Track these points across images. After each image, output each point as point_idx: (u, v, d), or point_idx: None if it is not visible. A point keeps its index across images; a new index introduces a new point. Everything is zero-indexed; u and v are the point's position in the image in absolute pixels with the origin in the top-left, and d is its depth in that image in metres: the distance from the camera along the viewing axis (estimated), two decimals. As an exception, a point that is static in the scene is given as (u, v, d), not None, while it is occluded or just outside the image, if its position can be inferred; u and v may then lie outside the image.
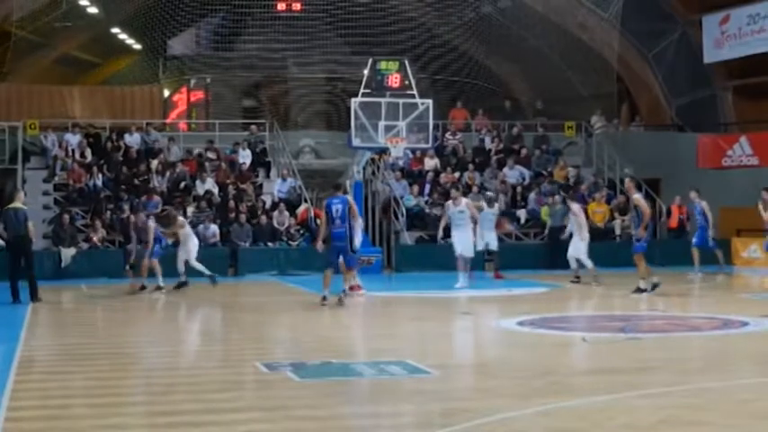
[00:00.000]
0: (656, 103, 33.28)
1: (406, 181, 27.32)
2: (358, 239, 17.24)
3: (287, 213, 25.52)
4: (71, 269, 23.16)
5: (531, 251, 25.77)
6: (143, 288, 19.28)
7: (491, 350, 12.06)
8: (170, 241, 20.47)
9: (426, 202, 26.77)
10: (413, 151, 27.92)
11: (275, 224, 25.30)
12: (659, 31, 31.65)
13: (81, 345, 12.33)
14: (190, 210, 24.65)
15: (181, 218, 20.65)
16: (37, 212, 23.65)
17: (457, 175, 27.73)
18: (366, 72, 23.23)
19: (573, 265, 20.56)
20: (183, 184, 26.57)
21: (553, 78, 33.39)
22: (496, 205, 23.13)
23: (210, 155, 27.98)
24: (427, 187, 27.33)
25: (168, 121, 33.87)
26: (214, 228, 24.56)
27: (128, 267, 21.98)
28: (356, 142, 23.17)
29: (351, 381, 9.34)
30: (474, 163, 28.82)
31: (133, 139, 28.10)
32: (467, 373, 10.11)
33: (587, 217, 24.64)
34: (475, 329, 14.02)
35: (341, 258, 16.72)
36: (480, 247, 21.15)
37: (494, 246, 22.10)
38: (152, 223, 19.97)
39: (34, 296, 17.32)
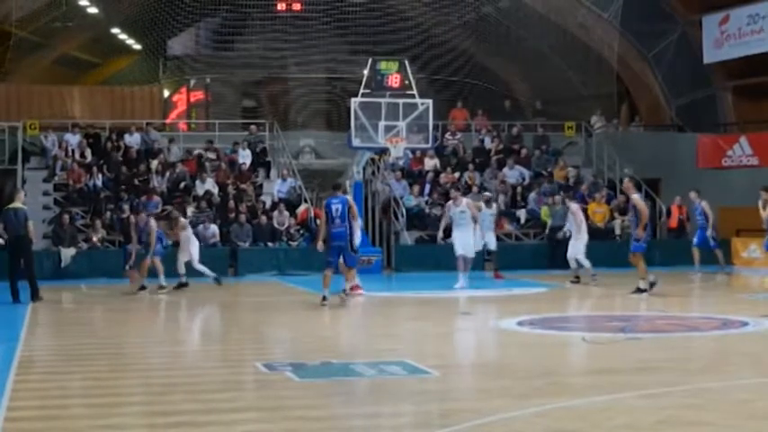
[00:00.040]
0: (655, 103, 33.28)
1: (405, 181, 27.31)
2: (357, 239, 17.23)
3: (287, 213, 25.52)
4: (71, 269, 23.15)
5: (530, 251, 25.77)
6: (143, 288, 19.26)
7: (491, 350, 12.06)
8: (170, 241, 20.47)
9: (426, 203, 26.76)
10: (413, 151, 27.92)
11: (275, 224, 25.29)
12: (659, 31, 31.64)
13: (80, 345, 12.33)
14: (190, 210, 24.64)
15: (183, 220, 20.64)
16: (37, 212, 23.65)
17: (457, 175, 27.73)
18: (366, 72, 23.24)
19: (573, 265, 20.58)
20: (182, 185, 26.56)
21: (553, 78, 33.39)
22: (494, 206, 23.17)
23: (210, 155, 27.98)
24: (427, 187, 27.33)
25: (168, 121, 33.85)
26: (214, 228, 24.56)
27: (127, 267, 21.99)
28: (356, 142, 23.17)
29: (351, 381, 9.34)
30: (474, 163, 28.82)
31: (133, 140, 28.09)
32: (467, 374, 10.12)
33: (587, 217, 24.68)
34: (475, 329, 14.01)
35: (341, 258, 16.71)
36: (479, 248, 21.15)
37: (492, 246, 22.12)
38: (154, 222, 19.99)
39: (35, 296, 17.32)
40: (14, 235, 17.54)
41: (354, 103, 22.78)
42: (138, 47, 37.07)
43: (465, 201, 20.20)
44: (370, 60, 23.32)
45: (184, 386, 9.09)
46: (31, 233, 17.95)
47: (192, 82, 36.77)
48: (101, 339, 13.11)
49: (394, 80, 22.99)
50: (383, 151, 25.17)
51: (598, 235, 24.78)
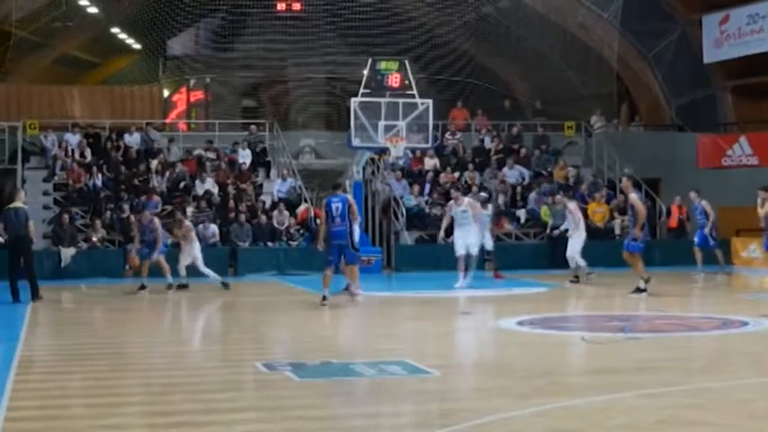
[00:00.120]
0: (655, 102, 33.28)
1: (405, 181, 27.32)
2: (356, 237, 17.22)
3: (287, 213, 25.52)
4: (71, 269, 23.16)
5: (530, 251, 25.77)
6: (143, 288, 19.26)
7: (491, 350, 12.06)
8: (169, 241, 20.47)
9: (426, 202, 26.77)
10: (413, 151, 27.92)
11: (275, 224, 25.29)
12: (659, 31, 31.65)
13: (80, 345, 12.33)
14: (189, 210, 24.65)
15: (187, 222, 20.62)
16: (37, 212, 23.64)
17: (457, 174, 27.73)
18: (366, 72, 23.23)
19: (572, 264, 20.58)
20: (182, 184, 26.57)
21: (553, 78, 33.40)
22: (490, 206, 23.22)
23: (210, 155, 27.98)
24: (427, 187, 27.33)
25: (168, 121, 33.85)
26: (214, 228, 24.56)
27: (127, 267, 22.00)
28: (356, 142, 23.17)
29: (351, 381, 9.34)
30: (474, 163, 28.82)
31: (133, 139, 28.10)
32: (466, 373, 10.12)
33: (587, 217, 24.70)
34: (475, 329, 14.01)
35: (341, 257, 16.70)
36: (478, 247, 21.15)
37: (489, 246, 22.10)
38: (158, 221, 20.02)
39: (35, 295, 17.32)
40: (15, 235, 17.54)
41: (354, 102, 22.78)
42: (137, 47, 37.07)
43: (466, 200, 20.22)
44: (369, 60, 23.32)
45: (184, 386, 9.09)
46: (32, 233, 17.95)
47: (192, 82, 36.78)
48: (101, 339, 13.11)
49: (394, 80, 22.99)
50: (383, 151, 25.18)
51: (598, 235, 24.79)
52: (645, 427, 7.23)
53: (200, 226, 23.87)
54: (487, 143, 30.03)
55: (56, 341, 13.10)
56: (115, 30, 36.72)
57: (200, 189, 26.25)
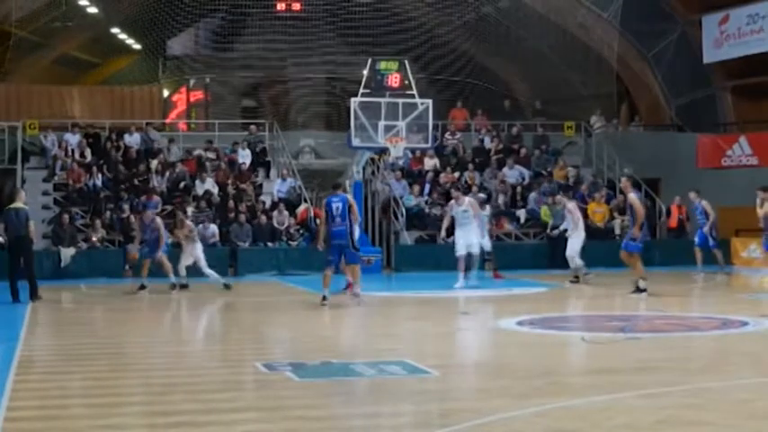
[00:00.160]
0: (655, 102, 33.28)
1: (405, 181, 27.32)
2: (356, 236, 17.22)
3: (286, 213, 25.52)
4: (71, 269, 23.16)
5: (530, 251, 25.77)
6: (142, 288, 19.25)
7: (490, 350, 12.06)
8: (170, 240, 20.48)
9: (426, 202, 26.77)
10: (412, 151, 27.92)
11: (275, 224, 25.29)
12: (659, 31, 31.65)
13: (80, 345, 12.33)
14: (189, 210, 24.65)
15: (189, 223, 20.62)
16: (36, 212, 23.63)
17: (457, 174, 27.73)
18: (366, 72, 23.23)
19: (572, 264, 20.58)
20: (182, 184, 26.57)
21: (553, 78, 33.41)
22: (488, 207, 23.22)
23: (210, 155, 27.98)
24: (427, 187, 27.33)
25: (168, 121, 33.86)
26: (214, 228, 24.56)
27: (127, 267, 22.03)
28: (356, 142, 23.17)
29: (350, 381, 9.34)
30: (474, 163, 28.82)
31: (133, 139, 28.10)
32: (466, 373, 10.11)
33: (587, 217, 24.71)
34: (474, 329, 14.01)
35: (341, 257, 16.70)
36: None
37: (488, 246, 22.08)
38: (160, 220, 20.04)
39: (34, 295, 17.32)
40: (15, 235, 17.54)
41: (354, 102, 22.78)
42: (137, 47, 37.08)
43: (467, 200, 20.21)
44: (369, 60, 23.32)
45: (184, 386, 9.09)
46: (32, 233, 17.96)
47: (192, 82, 36.78)
48: (101, 339, 13.10)
49: (394, 80, 22.99)
50: (383, 151, 25.18)
51: (598, 235, 24.79)
52: (645, 427, 7.23)
53: (200, 226, 23.85)
54: (487, 143, 30.04)
55: (56, 341, 13.10)
56: (115, 30, 36.72)
57: (199, 189, 26.25)
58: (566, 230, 21.16)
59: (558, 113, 31.85)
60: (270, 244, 24.87)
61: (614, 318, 14.52)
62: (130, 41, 37.61)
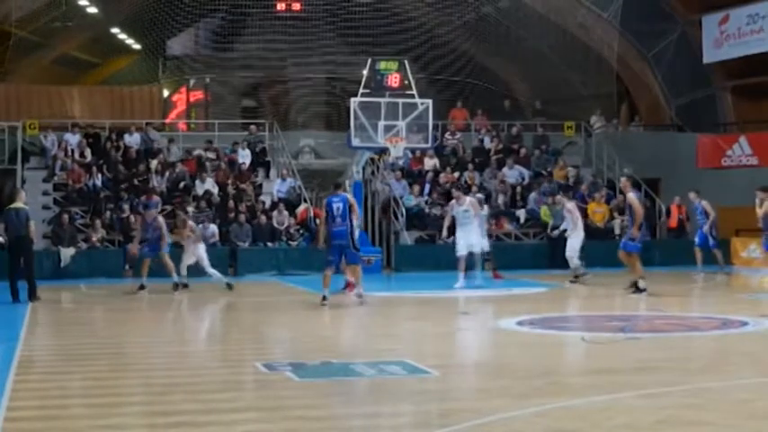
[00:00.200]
0: (655, 102, 33.28)
1: (405, 181, 27.32)
2: (356, 234, 17.22)
3: (286, 213, 25.52)
4: (70, 269, 23.15)
5: (530, 251, 25.77)
6: (142, 288, 19.24)
7: (490, 350, 12.06)
8: (171, 240, 20.49)
9: (426, 202, 26.77)
10: (412, 151, 27.92)
11: (275, 224, 25.29)
12: (659, 31, 31.65)
13: (80, 345, 12.33)
14: (189, 210, 24.65)
15: (192, 223, 20.63)
16: (36, 212, 23.62)
17: (456, 174, 27.73)
18: (366, 72, 23.23)
19: (572, 264, 20.57)
20: (182, 184, 26.57)
21: (553, 78, 33.41)
22: (486, 207, 23.23)
23: (210, 155, 27.98)
24: (427, 187, 27.33)
25: (168, 121, 33.86)
26: (213, 227, 24.55)
27: (127, 267, 22.03)
28: (356, 142, 23.17)
29: (350, 381, 9.34)
30: (473, 163, 28.82)
31: (133, 139, 28.10)
32: (466, 373, 10.11)
33: (586, 217, 24.70)
34: (474, 329, 14.00)
35: (342, 258, 16.69)
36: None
37: (486, 246, 22.07)
38: (162, 219, 20.04)
39: (32, 295, 17.32)
40: (15, 235, 17.54)
41: (354, 102, 22.78)
42: (137, 47, 37.08)
43: (468, 199, 20.22)
44: (369, 60, 23.32)
45: (184, 386, 9.09)
46: (33, 233, 17.96)
47: (192, 82, 36.77)
48: (101, 339, 13.10)
49: (393, 80, 22.98)
50: (383, 151, 25.17)
51: (597, 235, 24.79)
52: (645, 427, 7.22)
53: (200, 226, 23.84)
54: (487, 143, 30.03)
55: (56, 341, 13.10)
56: (115, 30, 36.73)
57: (199, 189, 26.25)
58: (565, 230, 21.17)
59: (558, 113, 31.85)
60: (270, 244, 24.87)
61: (614, 318, 14.51)
62: (130, 41, 37.61)
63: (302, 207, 25.95)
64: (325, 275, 16.24)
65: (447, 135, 29.84)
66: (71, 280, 22.32)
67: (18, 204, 17.78)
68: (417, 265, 24.41)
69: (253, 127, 29.54)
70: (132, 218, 23.85)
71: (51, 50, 35.53)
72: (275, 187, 27.13)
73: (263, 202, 26.40)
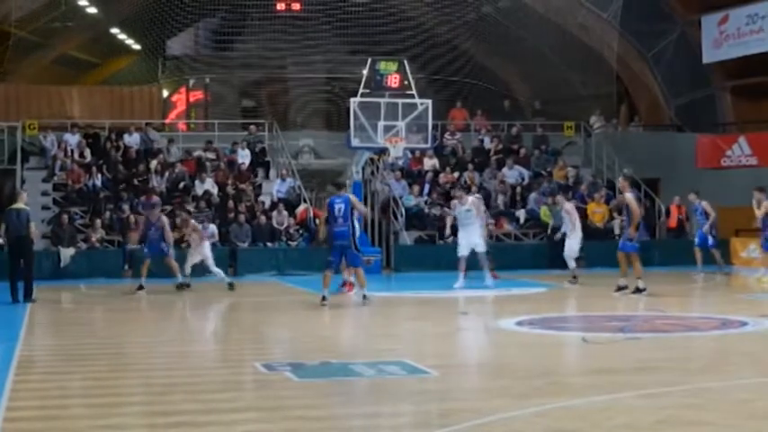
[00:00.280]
0: (655, 103, 33.29)
1: (405, 181, 27.31)
2: (357, 232, 17.21)
3: (286, 213, 25.52)
4: (70, 269, 23.14)
5: (530, 251, 25.76)
6: (141, 288, 19.22)
7: (490, 350, 12.06)
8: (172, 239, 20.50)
9: (426, 203, 26.76)
10: (412, 151, 27.91)
11: (274, 224, 25.29)
12: (658, 31, 31.66)
13: (80, 345, 12.33)
14: (189, 210, 24.63)
15: (194, 222, 20.63)
16: (36, 212, 23.59)
17: (456, 175, 27.73)
18: (365, 72, 23.23)
19: (570, 265, 20.55)
20: (182, 184, 26.57)
21: (552, 78, 33.41)
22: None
23: (210, 155, 27.98)
24: (426, 187, 27.33)
25: (167, 121, 33.85)
26: (213, 228, 24.49)
27: (126, 267, 22.03)
28: (355, 142, 23.17)
29: (350, 381, 9.34)
30: (473, 163, 28.82)
31: (132, 140, 28.10)
32: (466, 373, 10.11)
33: (586, 217, 24.68)
34: (474, 329, 14.00)
35: (342, 258, 16.69)
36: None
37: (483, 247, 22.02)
38: (165, 218, 20.04)
39: (28, 296, 17.30)
40: (16, 235, 17.55)
41: (354, 103, 22.78)
42: (137, 47, 37.08)
43: (470, 199, 20.21)
44: (369, 60, 23.32)
45: (184, 386, 9.09)
46: (33, 234, 17.98)
47: (192, 82, 36.75)
48: (101, 339, 13.10)
49: (393, 80, 22.99)
50: (382, 151, 25.17)
51: (597, 235, 24.79)
52: (645, 427, 7.23)
53: (200, 226, 23.84)
54: (487, 143, 30.04)
55: (55, 341, 13.10)
56: (115, 30, 36.74)
57: (199, 189, 26.25)
58: (565, 233, 21.12)
59: (558, 113, 31.86)
60: (269, 244, 24.87)
61: (614, 318, 14.51)
62: (130, 41, 37.62)
63: (302, 207, 25.95)
64: (325, 276, 16.25)
65: (447, 135, 29.84)
66: (71, 280, 22.31)
67: (19, 205, 17.80)
68: (417, 265, 24.40)
69: (252, 127, 29.53)
70: (132, 218, 23.83)
71: (51, 50, 35.54)
72: (275, 187, 27.13)
73: (263, 203, 26.40)
